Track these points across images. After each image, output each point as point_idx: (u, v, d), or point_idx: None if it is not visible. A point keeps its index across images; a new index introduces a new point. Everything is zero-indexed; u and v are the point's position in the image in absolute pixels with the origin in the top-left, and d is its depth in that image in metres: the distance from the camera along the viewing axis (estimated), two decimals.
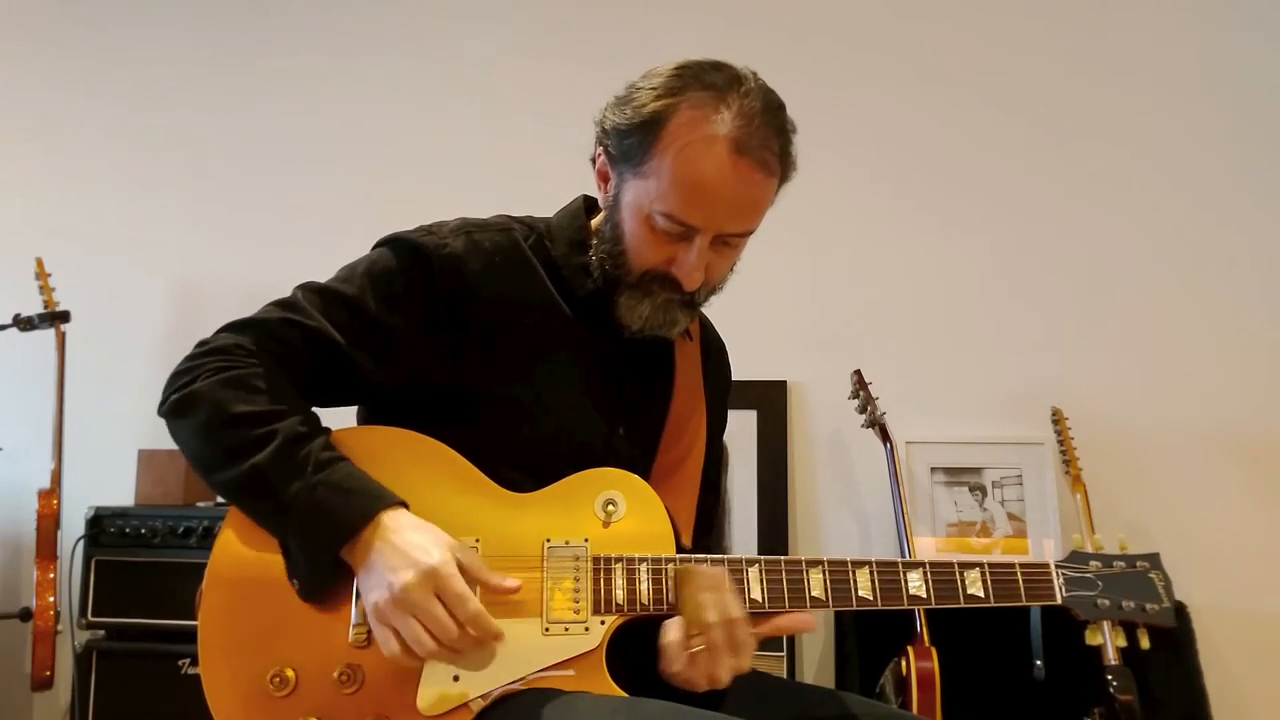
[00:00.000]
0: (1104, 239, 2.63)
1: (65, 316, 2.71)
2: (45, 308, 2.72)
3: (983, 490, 2.54)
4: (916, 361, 2.65)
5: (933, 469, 2.57)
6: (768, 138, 1.16)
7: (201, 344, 1.21)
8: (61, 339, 2.70)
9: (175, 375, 1.19)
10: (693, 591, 1.10)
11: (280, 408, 1.15)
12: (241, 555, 1.15)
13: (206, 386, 1.14)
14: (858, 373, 2.47)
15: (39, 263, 2.77)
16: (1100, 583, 1.17)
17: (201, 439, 1.15)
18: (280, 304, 1.23)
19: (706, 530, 1.40)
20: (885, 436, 2.39)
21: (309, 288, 1.24)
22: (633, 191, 1.19)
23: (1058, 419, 2.47)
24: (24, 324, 2.67)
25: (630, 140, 1.18)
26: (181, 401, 1.15)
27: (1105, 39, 2.70)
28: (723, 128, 1.13)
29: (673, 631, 1.09)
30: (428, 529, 1.10)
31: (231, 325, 1.22)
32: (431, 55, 3.00)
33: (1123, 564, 1.19)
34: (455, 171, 2.88)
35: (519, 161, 2.81)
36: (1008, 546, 2.47)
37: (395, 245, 1.26)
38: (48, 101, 3.18)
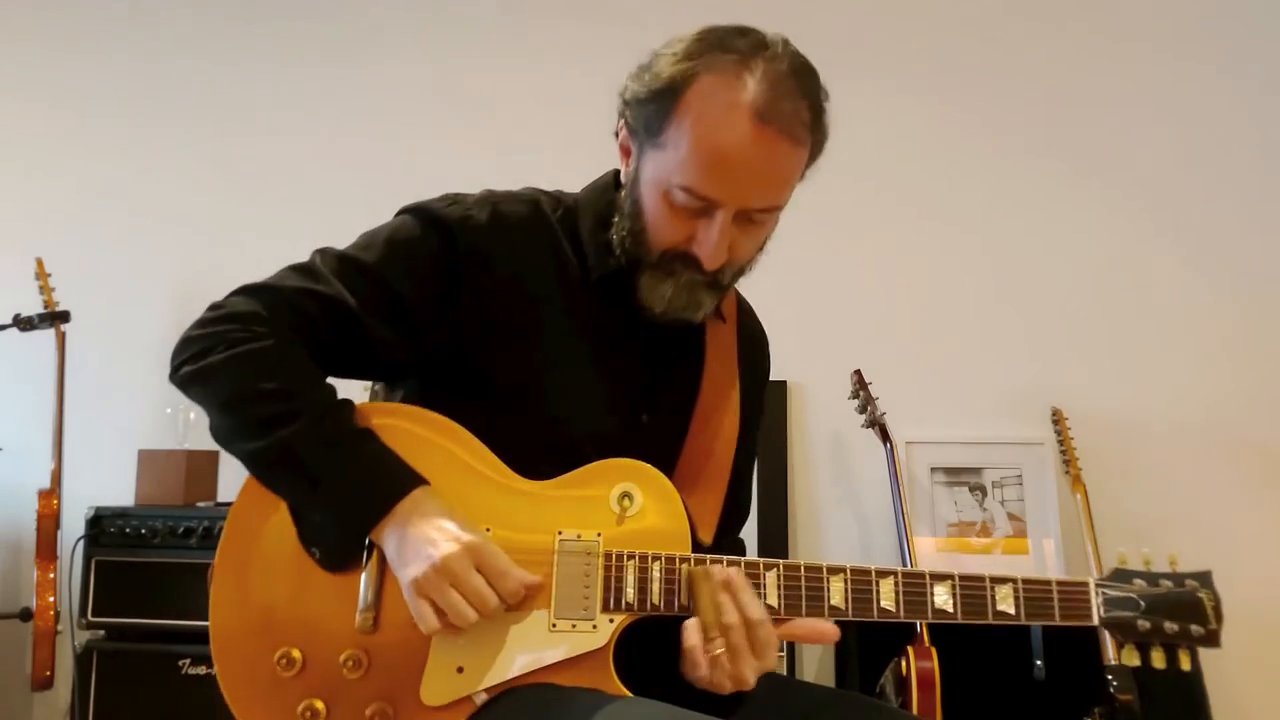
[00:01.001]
0: (1104, 239, 2.63)
1: (65, 316, 2.71)
2: (45, 308, 2.72)
3: (983, 490, 2.54)
4: (916, 361, 2.65)
5: (933, 469, 2.57)
6: (796, 105, 1.08)
7: (215, 307, 1.17)
8: (61, 339, 2.70)
9: (188, 340, 1.16)
10: (709, 593, 1.07)
11: (305, 382, 1.14)
12: (253, 534, 1.14)
13: (225, 360, 1.12)
14: (858, 373, 2.47)
15: (39, 263, 2.77)
16: (1143, 603, 1.10)
17: (224, 413, 1.14)
18: (298, 270, 1.20)
19: (735, 526, 1.36)
20: (885, 436, 2.39)
21: (328, 253, 1.21)
22: (651, 164, 1.13)
23: (1058, 419, 2.47)
24: (24, 324, 2.67)
25: (648, 109, 1.11)
26: (199, 373, 1.13)
27: (1103, 40, 2.70)
28: (746, 94, 1.06)
29: (692, 635, 1.06)
30: (458, 513, 1.10)
31: (246, 289, 1.18)
32: (434, 54, 3.00)
33: (1170, 583, 1.12)
34: (460, 171, 2.86)
35: (528, 162, 2.80)
36: (1008, 546, 2.47)
37: (419, 214, 1.22)
38: (48, 101, 3.17)
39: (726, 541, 1.30)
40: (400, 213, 1.25)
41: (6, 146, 3.17)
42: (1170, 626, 1.10)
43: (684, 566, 1.11)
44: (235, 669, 1.12)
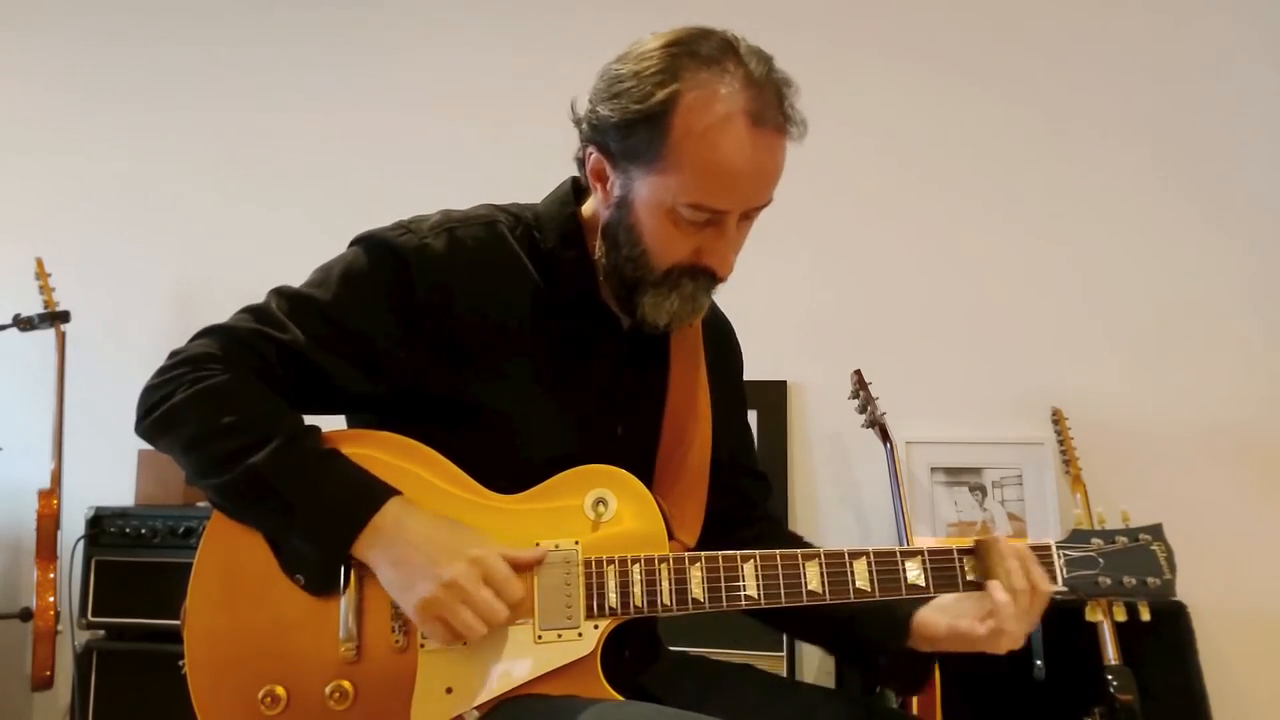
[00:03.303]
0: (1105, 239, 2.63)
1: (65, 316, 2.71)
2: (45, 308, 2.72)
3: (983, 490, 2.54)
4: (916, 361, 2.64)
5: (933, 469, 2.57)
6: (779, 99, 1.12)
7: (174, 354, 1.18)
8: (61, 339, 2.70)
9: (150, 389, 1.16)
10: (999, 559, 1.12)
11: (266, 411, 1.14)
12: (225, 572, 1.14)
13: (185, 400, 1.12)
14: (858, 373, 2.47)
15: (39, 263, 2.77)
16: (1102, 560, 1.16)
17: (190, 450, 1.14)
18: (253, 313, 1.19)
19: (751, 514, 1.37)
20: (885, 436, 2.39)
21: (282, 293, 1.20)
22: (649, 188, 1.12)
23: (1058, 419, 2.46)
24: (24, 324, 2.67)
25: (635, 136, 1.11)
26: (162, 418, 1.14)
27: (1110, 37, 2.69)
28: (735, 102, 1.08)
29: (1000, 593, 1.10)
30: (442, 519, 1.10)
31: (204, 332, 1.19)
32: (435, 50, 3.00)
33: (1125, 539, 1.18)
34: (463, 168, 2.88)
35: (531, 158, 2.80)
36: None
37: (372, 246, 1.20)
38: (48, 101, 3.18)
39: (757, 529, 1.33)
40: (353, 243, 1.23)
41: (7, 147, 3.17)
42: (1129, 581, 1.16)
43: (664, 567, 1.12)
44: (219, 711, 1.11)
